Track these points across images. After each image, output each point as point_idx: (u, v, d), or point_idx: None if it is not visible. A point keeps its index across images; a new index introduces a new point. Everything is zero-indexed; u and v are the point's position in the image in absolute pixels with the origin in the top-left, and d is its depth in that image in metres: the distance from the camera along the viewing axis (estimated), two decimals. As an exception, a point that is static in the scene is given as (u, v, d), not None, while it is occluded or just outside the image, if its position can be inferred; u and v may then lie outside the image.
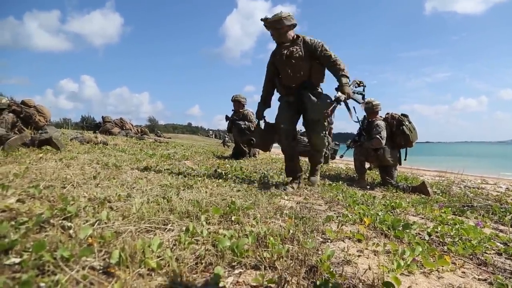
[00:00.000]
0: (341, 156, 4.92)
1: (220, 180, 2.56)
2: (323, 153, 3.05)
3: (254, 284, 0.85)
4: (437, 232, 1.62)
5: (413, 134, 3.63)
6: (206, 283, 0.80)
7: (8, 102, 4.06)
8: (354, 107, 3.43)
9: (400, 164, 3.88)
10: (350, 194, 2.67)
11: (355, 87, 2.80)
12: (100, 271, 0.80)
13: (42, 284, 0.69)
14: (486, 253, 1.41)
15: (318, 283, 0.85)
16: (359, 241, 1.35)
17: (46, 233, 0.96)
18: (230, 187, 2.34)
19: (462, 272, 1.17)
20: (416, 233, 1.58)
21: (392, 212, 2.10)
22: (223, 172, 3.22)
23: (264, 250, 1.03)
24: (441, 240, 1.52)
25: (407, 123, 3.64)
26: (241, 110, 5.68)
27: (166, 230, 1.16)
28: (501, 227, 2.08)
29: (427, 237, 1.53)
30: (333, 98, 2.70)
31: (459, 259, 1.29)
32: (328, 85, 2.86)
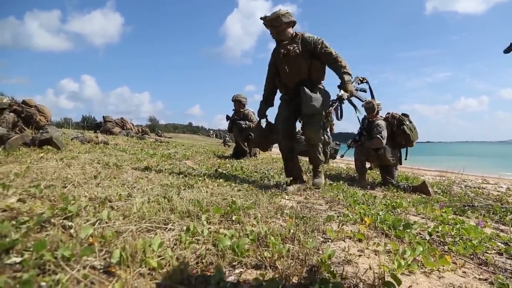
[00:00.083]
0: (342, 156, 4.92)
1: (221, 180, 2.56)
2: (320, 149, 2.83)
3: (255, 283, 0.85)
4: (437, 231, 1.62)
5: (413, 134, 3.63)
6: (207, 283, 0.80)
7: (9, 101, 4.07)
8: (355, 107, 3.42)
9: (401, 164, 3.87)
10: (350, 193, 2.66)
11: (358, 84, 2.77)
12: (101, 271, 0.80)
13: (43, 284, 0.69)
14: (487, 252, 1.40)
15: (318, 283, 0.85)
16: (360, 240, 1.35)
17: (47, 232, 0.97)
18: (231, 186, 2.34)
19: (462, 272, 1.17)
20: (416, 233, 1.58)
21: (392, 212, 2.10)
22: (224, 171, 3.22)
23: (265, 250, 1.03)
24: (441, 239, 1.52)
25: (407, 123, 3.64)
26: (241, 110, 5.68)
27: (167, 229, 1.16)
28: (502, 227, 2.07)
29: (427, 237, 1.53)
30: (335, 97, 2.67)
31: (460, 258, 1.29)
32: (330, 83, 2.80)
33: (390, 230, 1.52)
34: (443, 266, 1.14)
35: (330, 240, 1.33)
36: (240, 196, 1.97)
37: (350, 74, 2.57)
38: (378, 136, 3.56)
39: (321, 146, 2.83)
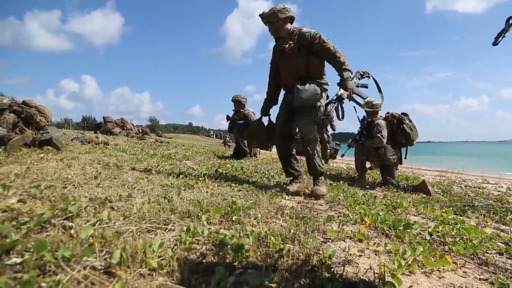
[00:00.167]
0: (342, 156, 4.92)
1: (221, 180, 2.56)
2: (318, 152, 2.54)
3: (255, 284, 0.85)
4: (438, 231, 1.62)
5: (413, 132, 3.63)
6: (207, 283, 0.80)
7: (9, 102, 4.07)
8: (354, 107, 3.36)
9: (401, 163, 3.88)
10: (351, 193, 2.66)
11: (359, 79, 2.64)
12: (101, 271, 0.80)
13: (43, 284, 0.69)
14: (487, 252, 1.40)
15: (319, 283, 0.85)
16: (360, 241, 1.35)
17: (47, 233, 0.97)
18: (231, 187, 2.34)
19: (463, 272, 1.17)
20: (417, 233, 1.58)
21: (393, 212, 2.10)
22: (224, 172, 3.22)
23: (265, 250, 1.03)
24: (442, 239, 1.52)
25: (407, 122, 3.64)
26: (241, 110, 5.68)
27: (167, 230, 1.16)
28: (502, 227, 2.08)
29: (428, 237, 1.53)
30: (334, 96, 2.60)
31: (460, 258, 1.29)
32: (330, 80, 2.64)
33: (390, 230, 1.52)
34: (443, 266, 1.14)
35: (330, 240, 1.33)
36: (241, 196, 1.97)
37: (350, 70, 2.45)
38: (379, 135, 3.57)
39: (319, 150, 2.56)
